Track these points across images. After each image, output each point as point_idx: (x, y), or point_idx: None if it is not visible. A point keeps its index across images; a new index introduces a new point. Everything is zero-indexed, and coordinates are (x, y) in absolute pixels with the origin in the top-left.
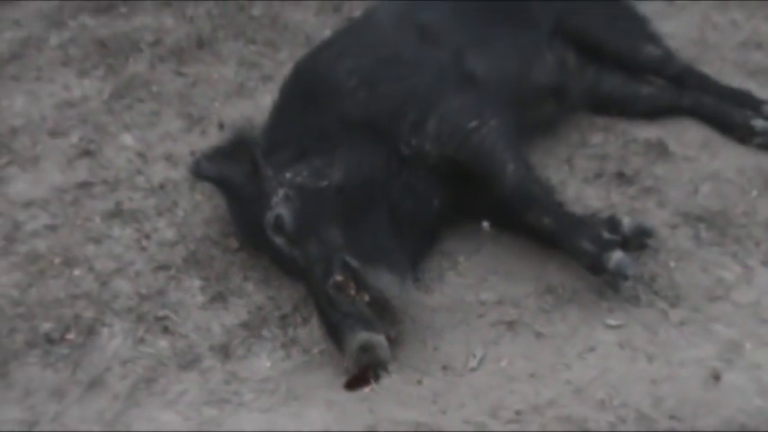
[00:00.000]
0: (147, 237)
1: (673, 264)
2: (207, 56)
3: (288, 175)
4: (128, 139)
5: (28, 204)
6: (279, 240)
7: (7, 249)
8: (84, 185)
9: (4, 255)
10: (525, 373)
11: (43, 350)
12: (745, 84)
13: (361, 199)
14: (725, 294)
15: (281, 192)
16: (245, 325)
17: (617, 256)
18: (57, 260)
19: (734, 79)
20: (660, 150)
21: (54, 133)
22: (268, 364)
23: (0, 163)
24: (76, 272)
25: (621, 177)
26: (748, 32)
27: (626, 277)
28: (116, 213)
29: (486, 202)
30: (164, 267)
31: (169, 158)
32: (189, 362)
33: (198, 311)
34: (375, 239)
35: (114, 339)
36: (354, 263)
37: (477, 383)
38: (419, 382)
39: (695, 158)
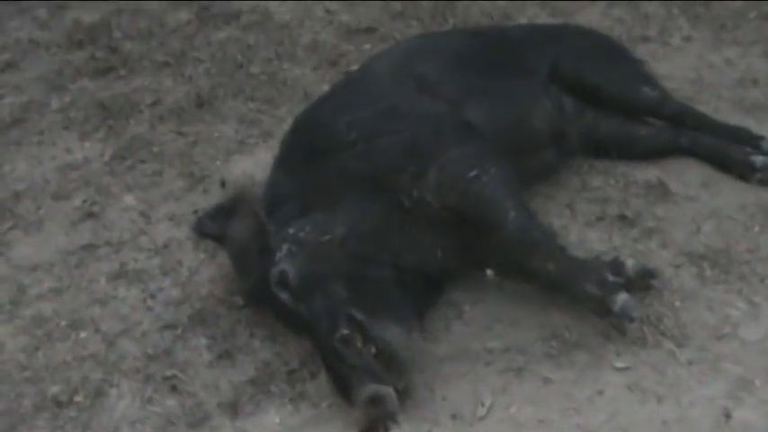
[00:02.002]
0: (153, 297)
1: (678, 303)
2: (207, 115)
3: (291, 230)
4: (130, 199)
5: (33, 268)
6: (284, 296)
7: (13, 313)
8: (89, 247)
9: (10, 319)
10: (534, 420)
11: (51, 413)
12: (743, 121)
13: (364, 252)
14: (732, 332)
15: (284, 247)
16: (252, 381)
17: (622, 298)
18: (63, 323)
19: (731, 117)
20: (661, 191)
21: (57, 196)
22: (277, 419)
23: (4, 227)
24: (83, 334)
25: (623, 219)
26: (743, 70)
27: (632, 319)
28: (121, 274)
29: (489, 250)
30: (170, 327)
31: (172, 218)
32: (198, 420)
33: (205, 369)
34: (380, 292)
35: (123, 400)
36: (360, 316)
37: (486, 431)
38: None
39: (696, 198)
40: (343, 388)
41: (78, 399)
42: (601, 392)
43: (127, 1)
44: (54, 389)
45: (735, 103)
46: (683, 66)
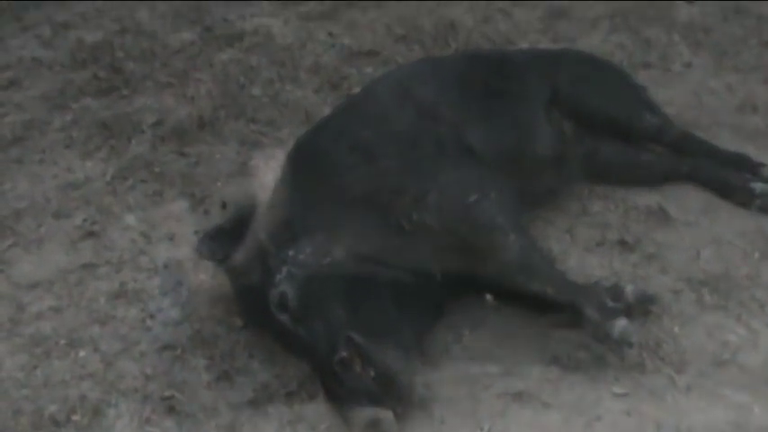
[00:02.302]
0: (152, 317)
1: (677, 329)
2: (208, 136)
3: (291, 252)
4: (131, 219)
5: (32, 286)
6: (283, 318)
7: (12, 331)
8: (89, 266)
9: (8, 337)
10: None
11: None
12: (743, 147)
13: (363, 275)
14: (731, 358)
15: (284, 269)
16: (251, 403)
17: (621, 324)
18: (62, 341)
19: (731, 143)
20: (661, 217)
21: (58, 215)
22: None
23: (4, 245)
24: (82, 353)
25: (623, 245)
26: (744, 96)
27: (631, 344)
28: (120, 294)
29: (488, 273)
30: (169, 347)
31: (172, 238)
32: None
33: (204, 390)
34: (379, 314)
35: (120, 420)
36: (359, 338)
37: None
38: None
39: (696, 223)
40: (342, 411)
41: (76, 418)
42: (599, 418)
43: (130, 20)
44: (52, 407)
45: (735, 129)
46: (684, 92)
